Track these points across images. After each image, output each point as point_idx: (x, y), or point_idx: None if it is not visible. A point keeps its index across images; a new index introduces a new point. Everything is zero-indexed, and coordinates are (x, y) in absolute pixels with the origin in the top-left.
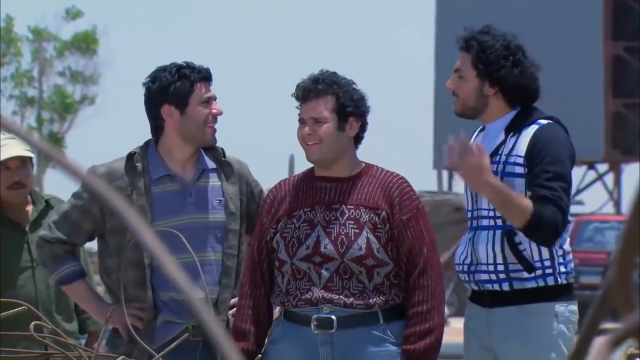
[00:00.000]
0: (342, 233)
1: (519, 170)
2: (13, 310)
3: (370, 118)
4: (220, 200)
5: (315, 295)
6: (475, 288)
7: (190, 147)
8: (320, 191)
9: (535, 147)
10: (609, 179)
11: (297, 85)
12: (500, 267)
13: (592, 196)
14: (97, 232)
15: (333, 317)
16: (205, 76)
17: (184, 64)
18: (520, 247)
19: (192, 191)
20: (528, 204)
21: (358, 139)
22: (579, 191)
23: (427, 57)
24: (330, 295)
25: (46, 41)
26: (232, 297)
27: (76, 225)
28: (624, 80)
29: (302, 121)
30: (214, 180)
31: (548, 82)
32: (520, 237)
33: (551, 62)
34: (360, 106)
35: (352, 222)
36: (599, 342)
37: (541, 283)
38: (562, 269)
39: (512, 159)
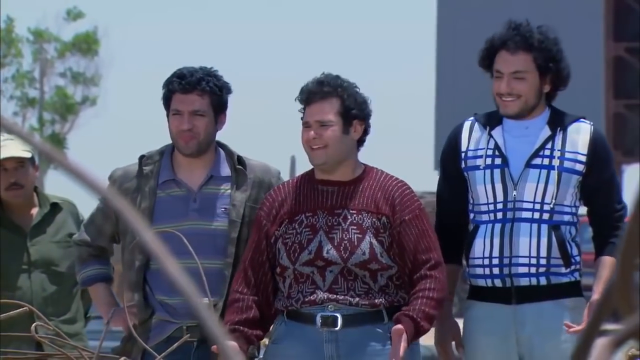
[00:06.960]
0: (345, 238)
1: (579, 167)
2: (15, 310)
3: (371, 119)
4: (225, 209)
5: (320, 296)
6: (500, 285)
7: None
8: (322, 195)
9: (597, 156)
10: None
11: (302, 89)
12: (543, 261)
13: None
14: (117, 234)
15: (338, 314)
16: (186, 88)
17: (181, 72)
18: (565, 242)
19: (197, 197)
20: (612, 264)
21: (360, 141)
22: None
23: (428, 56)
24: (335, 296)
25: (47, 42)
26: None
27: (99, 228)
28: (625, 81)
29: (306, 124)
30: (225, 188)
31: None
32: (564, 231)
33: None
34: (364, 109)
35: (355, 227)
36: (600, 343)
37: (572, 278)
38: (580, 266)
39: (571, 156)
